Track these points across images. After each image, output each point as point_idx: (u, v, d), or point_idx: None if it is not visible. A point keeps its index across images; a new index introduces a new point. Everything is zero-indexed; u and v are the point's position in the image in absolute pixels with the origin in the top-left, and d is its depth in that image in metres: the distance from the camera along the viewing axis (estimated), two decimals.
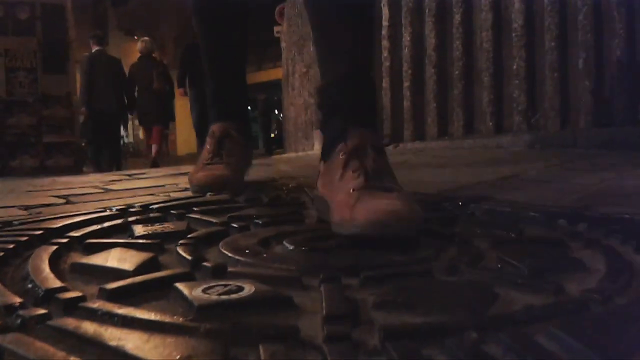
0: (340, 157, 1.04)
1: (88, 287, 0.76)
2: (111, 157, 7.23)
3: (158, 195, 1.61)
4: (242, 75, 1.80)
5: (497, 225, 1.12)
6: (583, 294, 0.70)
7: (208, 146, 1.64)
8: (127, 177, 2.37)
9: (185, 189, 1.76)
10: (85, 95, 6.98)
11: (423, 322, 0.60)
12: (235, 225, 1.11)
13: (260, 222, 1.14)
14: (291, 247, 0.93)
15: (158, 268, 0.84)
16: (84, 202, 1.55)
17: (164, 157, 7.78)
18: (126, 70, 7.56)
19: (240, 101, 1.81)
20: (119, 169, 6.93)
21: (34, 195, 1.74)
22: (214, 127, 1.67)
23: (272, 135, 15.72)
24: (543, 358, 0.52)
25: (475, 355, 0.53)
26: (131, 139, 16.96)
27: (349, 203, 0.94)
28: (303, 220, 1.20)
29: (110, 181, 2.18)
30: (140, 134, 15.03)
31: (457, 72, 3.63)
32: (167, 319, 0.60)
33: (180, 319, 0.60)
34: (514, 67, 3.35)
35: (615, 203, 1.33)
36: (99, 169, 6.83)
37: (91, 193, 1.74)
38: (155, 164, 7.41)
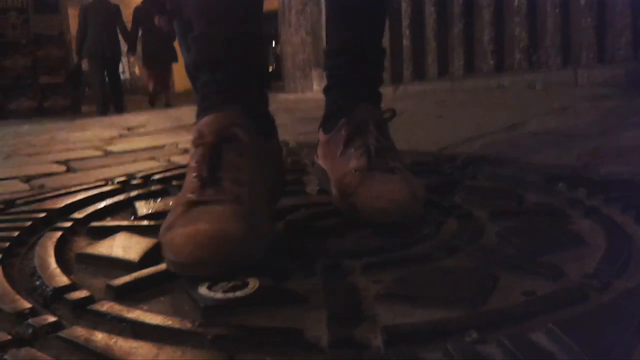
0: (342, 132, 1.03)
1: (95, 281, 0.78)
2: (114, 98, 7.32)
3: (158, 160, 1.61)
4: (258, 21, 1.02)
5: (497, 192, 1.12)
6: (582, 280, 0.71)
7: (193, 161, 0.86)
8: (127, 133, 2.36)
9: (187, 151, 1.76)
10: (78, 45, 7.17)
11: (424, 321, 0.62)
12: None
13: None
14: (292, 228, 0.93)
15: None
16: (85, 169, 1.55)
17: (165, 98, 7.79)
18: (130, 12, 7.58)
19: (257, 67, 1.01)
20: (121, 109, 7.13)
21: (33, 160, 1.74)
22: (201, 123, 0.89)
23: (270, 69, 15.53)
24: (540, 358, 0.53)
25: (476, 356, 0.54)
26: (127, 76, 16.90)
27: (350, 185, 0.94)
28: (303, 189, 1.21)
29: (110, 139, 2.18)
30: (137, 70, 14.89)
31: (457, 10, 3.55)
32: (175, 324, 0.62)
33: (188, 324, 0.62)
34: (515, 3, 3.28)
35: (615, 161, 1.33)
36: (104, 110, 6.98)
37: (91, 157, 1.74)
38: (152, 102, 7.66)
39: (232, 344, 0.59)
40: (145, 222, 0.99)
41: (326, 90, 1.17)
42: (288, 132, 2.00)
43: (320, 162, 1.14)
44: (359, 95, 1.09)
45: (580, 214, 0.98)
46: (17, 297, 0.70)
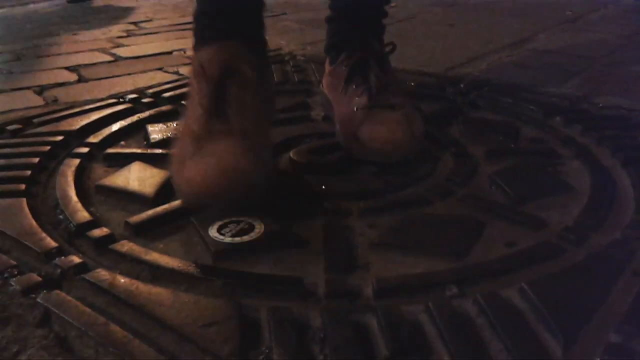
0: (343, 68, 1.05)
1: (114, 215, 0.84)
2: None
3: (167, 71, 1.63)
4: None
5: (495, 125, 1.16)
6: (561, 233, 0.77)
7: (197, 95, 0.87)
8: (133, 29, 2.36)
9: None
10: None
11: (411, 274, 0.69)
12: None
13: None
14: (296, 163, 0.99)
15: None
16: (95, 78, 1.58)
17: None
18: None
19: None
20: None
21: (43, 64, 1.76)
22: (203, 56, 0.90)
23: None
24: (511, 320, 0.60)
25: (453, 315, 0.62)
26: None
27: (352, 124, 0.97)
28: (309, 115, 1.24)
29: (117, 37, 2.18)
30: None
31: None
32: (189, 269, 0.69)
33: (200, 270, 0.69)
34: None
35: (616, 90, 1.35)
36: None
37: (101, 63, 1.76)
38: None
39: (239, 290, 0.66)
40: (158, 151, 1.04)
41: (328, 20, 1.17)
42: (295, 40, 1.99)
43: (326, 91, 1.17)
44: (360, 29, 1.09)
45: (571, 155, 1.03)
46: (44, 235, 0.76)
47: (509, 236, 0.78)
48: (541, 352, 0.56)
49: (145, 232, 0.79)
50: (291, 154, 1.01)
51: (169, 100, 1.33)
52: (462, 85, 1.40)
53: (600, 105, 1.26)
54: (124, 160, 1.00)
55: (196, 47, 0.95)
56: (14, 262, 0.71)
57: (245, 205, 0.79)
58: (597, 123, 1.15)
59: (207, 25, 0.96)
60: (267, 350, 0.56)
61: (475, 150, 1.05)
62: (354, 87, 1.02)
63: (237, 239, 0.75)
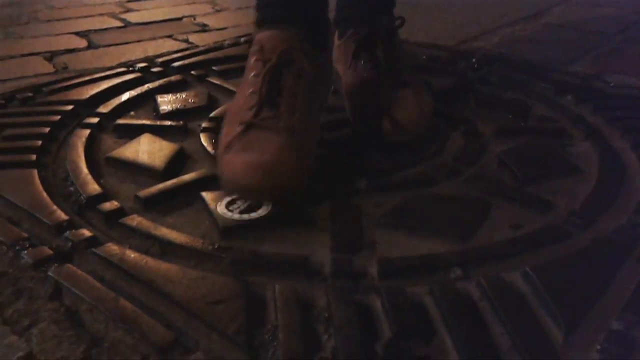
0: (352, 43, 1.04)
1: (124, 188, 0.85)
2: None
3: (177, 39, 1.62)
4: None
5: (506, 103, 1.15)
6: (567, 217, 0.77)
7: (251, 75, 0.88)
8: None
9: (203, 27, 1.77)
10: None
11: (416, 256, 0.69)
12: None
13: None
14: None
15: (184, 161, 0.92)
16: (105, 45, 1.57)
17: None
18: None
19: None
20: None
21: (53, 29, 1.75)
22: (263, 37, 0.90)
23: None
24: (513, 304, 0.61)
25: (456, 298, 0.62)
26: None
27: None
28: None
29: (127, 2, 2.16)
30: None
31: None
32: (198, 245, 0.70)
33: (208, 246, 0.70)
34: None
35: (630, 69, 1.33)
36: None
37: (110, 29, 1.76)
38: None
39: (246, 268, 0.67)
40: (167, 122, 1.05)
41: None
42: None
43: (335, 64, 1.16)
44: (369, 3, 1.08)
45: (581, 135, 1.03)
46: (54, 207, 0.77)
47: (515, 218, 0.78)
48: (542, 338, 0.57)
49: (154, 206, 0.80)
50: None
51: (178, 70, 1.32)
52: (474, 60, 1.39)
53: (612, 84, 1.25)
54: (134, 132, 1.01)
55: (258, 23, 0.94)
56: (25, 235, 0.72)
57: (283, 200, 0.78)
58: (608, 102, 1.14)
59: (272, 3, 0.94)
60: (273, 329, 0.58)
61: (485, 128, 1.05)
62: (361, 62, 1.01)
63: (245, 216, 0.76)
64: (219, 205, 0.78)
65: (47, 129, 1.00)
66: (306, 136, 0.84)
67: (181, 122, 1.05)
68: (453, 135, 1.03)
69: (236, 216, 0.76)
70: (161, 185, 0.83)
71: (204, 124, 1.04)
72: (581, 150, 0.98)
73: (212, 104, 1.14)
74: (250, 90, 0.85)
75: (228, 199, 0.79)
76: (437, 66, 1.37)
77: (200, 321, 0.58)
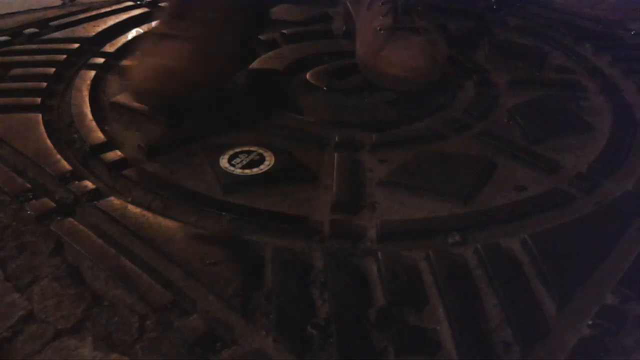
0: None
1: (128, 135, 0.85)
2: None
3: None
4: None
5: (522, 50, 1.11)
6: (572, 180, 0.76)
7: None
8: None
9: None
10: None
11: (415, 219, 0.69)
12: (261, 38, 1.13)
13: (286, 34, 1.16)
14: (313, 86, 0.97)
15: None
16: None
17: None
18: None
19: None
20: None
21: None
22: None
23: None
24: (509, 273, 0.61)
25: (452, 265, 0.63)
26: None
27: (374, 45, 0.94)
28: (329, 29, 1.21)
29: None
30: None
31: None
32: (200, 201, 0.71)
33: (210, 203, 0.70)
34: None
35: None
36: None
37: None
38: None
39: (246, 226, 0.67)
40: None
41: None
42: None
43: (348, 3, 1.13)
44: None
45: (596, 88, 1.00)
46: (58, 156, 0.78)
47: (519, 179, 0.77)
48: (535, 310, 0.57)
49: (157, 156, 0.80)
50: (307, 75, 1.00)
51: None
52: (493, 0, 1.33)
53: (633, 32, 1.20)
54: None
55: None
56: (28, 185, 0.73)
57: (185, 106, 0.85)
58: (627, 53, 1.10)
59: None
60: (269, 292, 0.59)
61: (498, 78, 1.02)
62: (380, 4, 0.98)
63: (247, 171, 0.75)
64: (221, 159, 0.78)
65: (52, 69, 0.99)
66: (217, 47, 0.88)
67: None
68: (465, 84, 1.00)
69: (238, 171, 0.75)
70: (164, 134, 0.83)
71: None
72: (595, 105, 0.95)
73: None
74: (165, 8, 0.92)
75: (231, 152, 0.79)
76: (454, 7, 1.32)
77: (198, 282, 0.59)
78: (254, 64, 1.05)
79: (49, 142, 0.81)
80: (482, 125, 0.89)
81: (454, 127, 0.88)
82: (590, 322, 0.56)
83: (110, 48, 1.08)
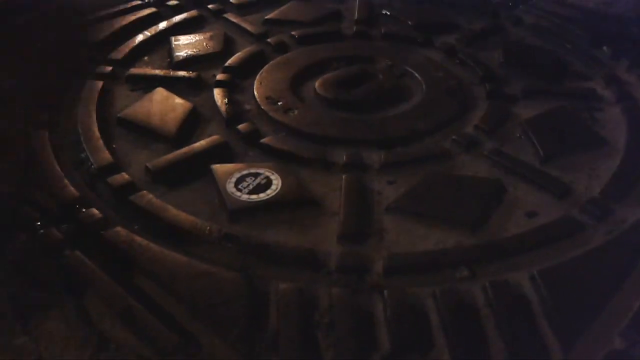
0: None
1: (135, 154, 0.85)
2: None
3: None
4: None
5: (537, 55, 1.08)
6: (584, 205, 0.75)
7: None
8: None
9: None
10: None
11: (422, 252, 0.68)
12: (270, 42, 1.12)
13: (296, 37, 1.14)
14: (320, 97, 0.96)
15: (196, 124, 0.90)
16: None
17: None
18: None
19: None
20: None
21: None
22: None
23: None
24: (516, 314, 0.61)
25: (459, 305, 0.62)
26: None
27: None
28: (340, 29, 1.19)
29: None
30: None
31: None
32: (204, 231, 0.70)
33: (215, 234, 0.70)
34: None
35: None
36: None
37: None
38: None
39: (251, 259, 0.67)
40: (181, 73, 1.02)
41: None
42: None
43: None
44: None
45: (612, 97, 0.98)
46: (66, 181, 0.77)
47: (530, 204, 0.76)
48: (541, 355, 0.57)
49: (164, 179, 0.80)
50: (316, 85, 0.98)
51: (195, 2, 1.27)
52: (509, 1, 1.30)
53: None
54: (147, 83, 0.99)
55: None
56: (37, 215, 0.72)
57: None
58: None
59: None
60: (274, 335, 0.59)
61: (512, 87, 1.00)
62: None
63: (254, 197, 0.75)
64: (228, 182, 0.77)
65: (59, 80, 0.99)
66: None
67: (195, 73, 1.02)
68: (476, 93, 0.99)
69: (245, 197, 0.75)
70: (171, 156, 0.82)
71: (218, 76, 1.02)
72: (610, 117, 0.93)
73: (228, 48, 1.10)
74: None
75: (238, 175, 0.78)
76: (467, 1, 1.28)
77: (204, 323, 0.59)
78: (265, 68, 1.04)
79: (56, 164, 0.81)
80: (492, 142, 0.87)
81: (464, 144, 0.86)
82: None
83: (117, 54, 1.07)
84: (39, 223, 0.72)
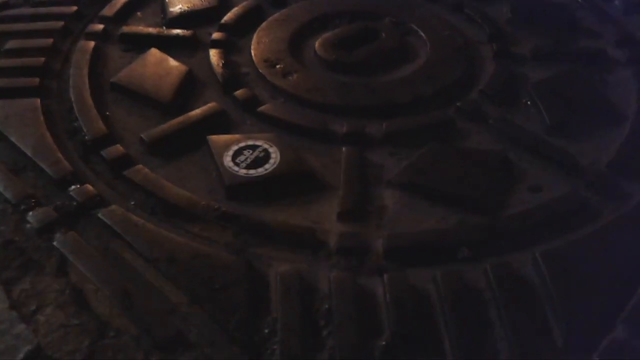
0: None
1: (130, 122, 0.82)
2: None
3: None
4: None
5: (548, 10, 1.04)
6: (591, 180, 0.73)
7: None
8: None
9: None
10: None
11: (423, 231, 0.67)
12: None
13: None
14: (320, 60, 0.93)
15: (192, 88, 0.87)
16: None
17: None
18: None
19: None
20: None
21: None
22: None
23: None
24: (518, 298, 0.60)
25: (460, 288, 0.61)
26: None
27: None
28: None
29: None
30: None
31: None
32: (201, 208, 0.69)
33: (212, 211, 0.68)
34: None
35: None
36: None
37: None
38: None
39: (250, 239, 0.66)
40: (175, 31, 0.98)
41: None
42: None
43: None
44: None
45: (623, 58, 0.94)
46: (59, 155, 0.75)
47: (535, 177, 0.74)
48: (542, 343, 0.56)
49: (160, 151, 0.78)
50: (316, 46, 0.95)
51: None
52: None
53: None
54: (140, 43, 0.96)
55: None
56: (29, 191, 0.71)
57: None
58: None
59: None
60: (273, 322, 0.58)
61: (521, 47, 0.96)
62: None
63: (252, 172, 0.73)
64: (225, 156, 0.75)
65: (50, 40, 0.95)
66: None
67: (190, 32, 0.98)
68: (483, 54, 0.95)
69: (242, 172, 0.73)
70: (167, 126, 0.80)
71: (213, 35, 0.98)
72: (620, 79, 0.90)
73: (224, 2, 1.06)
74: None
75: (235, 147, 0.76)
76: None
77: (202, 310, 0.59)
78: (263, 26, 1.00)
79: (48, 135, 0.78)
80: (499, 111, 0.84)
81: (468, 112, 0.83)
82: (597, 359, 0.55)
83: (109, 11, 1.03)
84: (31, 200, 0.70)
